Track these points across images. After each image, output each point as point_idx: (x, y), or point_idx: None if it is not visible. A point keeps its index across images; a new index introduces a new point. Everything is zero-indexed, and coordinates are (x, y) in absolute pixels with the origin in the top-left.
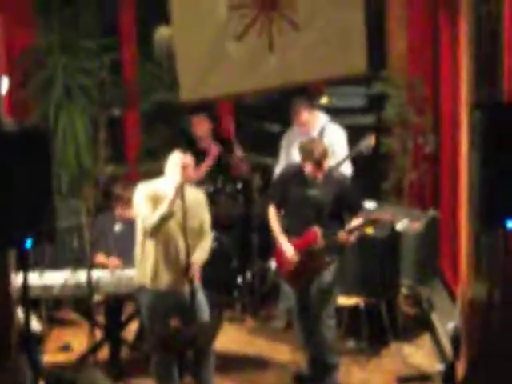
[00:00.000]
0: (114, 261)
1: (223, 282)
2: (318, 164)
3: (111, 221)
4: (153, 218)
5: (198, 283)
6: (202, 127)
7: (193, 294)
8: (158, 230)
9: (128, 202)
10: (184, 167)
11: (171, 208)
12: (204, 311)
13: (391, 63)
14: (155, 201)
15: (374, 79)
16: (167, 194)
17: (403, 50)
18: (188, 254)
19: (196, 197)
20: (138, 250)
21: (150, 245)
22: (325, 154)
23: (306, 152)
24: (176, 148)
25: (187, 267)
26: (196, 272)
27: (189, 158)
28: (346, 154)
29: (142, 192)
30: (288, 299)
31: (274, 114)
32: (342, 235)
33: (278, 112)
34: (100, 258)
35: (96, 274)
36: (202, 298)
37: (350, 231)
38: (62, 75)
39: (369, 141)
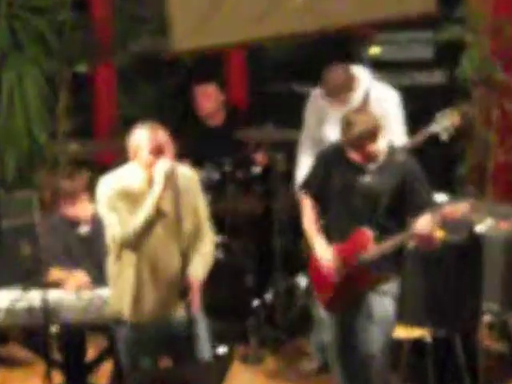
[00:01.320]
0: (77, 277)
1: (233, 306)
2: (356, 146)
3: (71, 221)
4: (131, 224)
5: (197, 307)
6: (210, 101)
7: (190, 323)
8: (140, 241)
9: (76, 198)
10: (156, 150)
11: (157, 207)
12: (205, 347)
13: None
14: (127, 199)
15: (445, 21)
16: (142, 189)
17: None
18: (183, 268)
19: (183, 179)
20: (111, 267)
21: (129, 260)
22: (368, 134)
23: (343, 127)
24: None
25: (183, 287)
26: (195, 292)
27: (161, 135)
28: (402, 124)
29: (108, 189)
30: (324, 330)
31: (303, 71)
32: (418, 230)
33: (310, 69)
34: (57, 272)
35: (54, 294)
36: (202, 328)
37: (441, 219)
38: (7, 14)
39: (449, 119)
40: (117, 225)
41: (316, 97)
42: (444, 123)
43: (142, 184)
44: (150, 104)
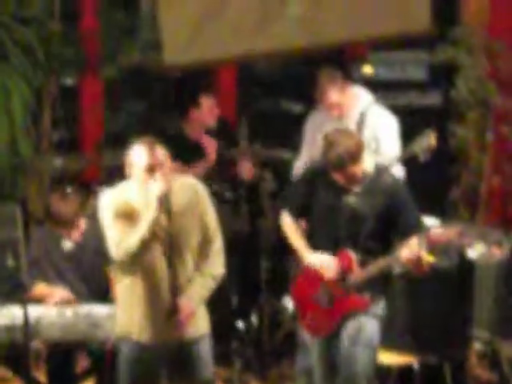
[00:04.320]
0: (62, 292)
1: (217, 327)
2: (337, 167)
3: (58, 235)
4: (125, 244)
5: (202, 329)
6: (212, 114)
7: (182, 345)
8: (136, 261)
9: (68, 222)
10: (151, 168)
11: (152, 228)
12: (205, 369)
13: (465, 19)
14: (129, 216)
15: (439, 41)
16: (139, 207)
17: (483, 1)
18: (174, 290)
19: (188, 193)
20: (116, 283)
21: (130, 280)
22: (349, 155)
23: (324, 148)
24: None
25: (172, 307)
26: (184, 314)
27: (157, 152)
28: (396, 149)
29: (110, 204)
30: (309, 354)
31: (294, 89)
32: (406, 254)
33: (300, 87)
34: (41, 287)
35: (36, 310)
36: (203, 350)
37: (430, 248)
38: None
39: (426, 141)
40: (115, 241)
41: (315, 114)
42: (422, 145)
43: (139, 201)
44: (137, 119)
